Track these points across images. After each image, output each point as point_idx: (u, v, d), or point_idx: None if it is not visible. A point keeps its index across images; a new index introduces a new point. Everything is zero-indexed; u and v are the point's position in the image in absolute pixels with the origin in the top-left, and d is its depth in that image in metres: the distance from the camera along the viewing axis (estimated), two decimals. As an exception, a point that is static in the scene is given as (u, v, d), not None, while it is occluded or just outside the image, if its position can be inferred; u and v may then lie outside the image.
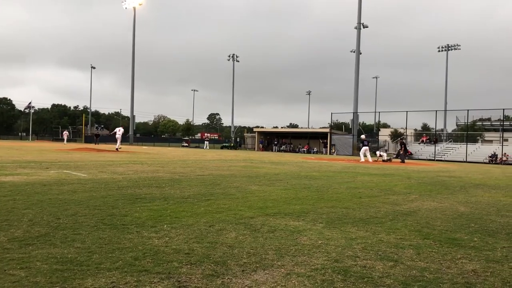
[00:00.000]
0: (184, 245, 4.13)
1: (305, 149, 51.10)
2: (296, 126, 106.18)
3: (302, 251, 4.09)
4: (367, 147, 27.90)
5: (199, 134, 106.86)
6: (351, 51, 63.23)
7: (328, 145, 47.31)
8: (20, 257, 3.54)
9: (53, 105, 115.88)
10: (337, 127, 69.54)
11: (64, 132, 58.27)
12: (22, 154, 20.40)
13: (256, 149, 55.20)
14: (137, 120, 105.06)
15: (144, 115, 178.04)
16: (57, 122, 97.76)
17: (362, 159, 27.02)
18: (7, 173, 10.49)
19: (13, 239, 4.09)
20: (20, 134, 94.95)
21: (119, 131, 30.66)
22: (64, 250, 3.78)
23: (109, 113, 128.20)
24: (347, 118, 71.05)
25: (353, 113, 49.55)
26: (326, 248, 4.21)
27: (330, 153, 45.18)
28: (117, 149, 29.14)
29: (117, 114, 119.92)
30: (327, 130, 50.79)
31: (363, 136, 30.72)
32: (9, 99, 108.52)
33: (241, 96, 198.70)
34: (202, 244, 4.19)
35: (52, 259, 3.53)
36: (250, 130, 71.26)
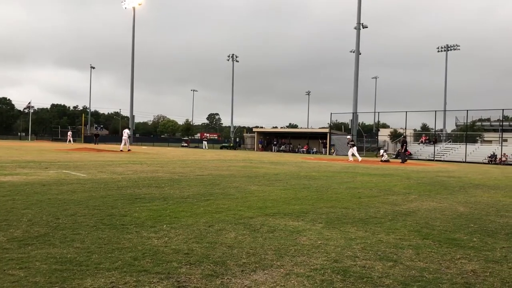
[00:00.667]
0: (183, 245, 4.13)
1: (304, 149, 51.12)
2: (295, 126, 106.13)
3: (301, 251, 4.09)
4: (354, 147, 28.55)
5: (198, 134, 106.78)
6: (351, 51, 63.22)
7: (328, 145, 47.30)
8: (20, 257, 3.54)
9: (53, 105, 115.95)
10: (336, 127, 69.57)
11: (69, 132, 58.51)
12: (21, 154, 20.38)
13: (255, 149, 55.21)
14: (137, 120, 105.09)
15: (144, 115, 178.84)
16: (57, 122, 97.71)
17: (359, 158, 27.19)
18: (6, 173, 10.48)
19: (12, 239, 4.09)
20: (19, 134, 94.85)
21: (125, 133, 31.16)
22: (63, 250, 3.78)
23: (108, 113, 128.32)
24: (346, 118, 71.20)
25: (353, 113, 49.58)
26: (326, 248, 4.21)
27: (329, 153, 45.19)
28: (121, 150, 29.53)
29: (117, 114, 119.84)
30: (327, 130, 50.80)
31: (349, 137, 32.09)
32: (8, 99, 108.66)
33: (241, 96, 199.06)
34: (202, 244, 4.19)
35: (52, 259, 3.52)
36: (249, 130, 71.24)
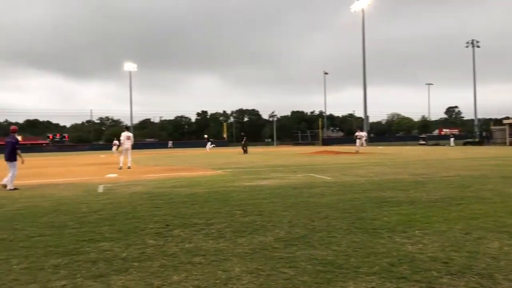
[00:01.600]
0: (440, 253, 3.95)
1: None
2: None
3: None
4: None
5: (436, 131, 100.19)
6: None
7: None
8: (287, 257, 3.96)
9: (293, 112, 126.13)
10: None
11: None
12: (271, 159, 22.80)
13: (507, 144, 48.66)
14: (370, 120, 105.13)
15: (377, 114, 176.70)
16: (296, 127, 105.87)
17: None
18: (263, 177, 11.87)
19: (278, 239, 4.62)
20: (266, 140, 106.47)
21: (364, 135, 31.87)
22: (323, 252, 4.07)
23: (342, 115, 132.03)
24: None
25: None
26: None
27: None
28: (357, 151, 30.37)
29: (351, 115, 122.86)
30: None
31: None
32: (257, 110, 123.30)
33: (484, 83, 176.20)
34: (461, 253, 3.93)
35: (314, 260, 3.84)
36: (497, 122, 63.20)
